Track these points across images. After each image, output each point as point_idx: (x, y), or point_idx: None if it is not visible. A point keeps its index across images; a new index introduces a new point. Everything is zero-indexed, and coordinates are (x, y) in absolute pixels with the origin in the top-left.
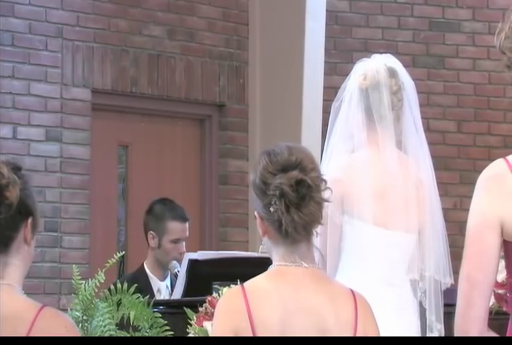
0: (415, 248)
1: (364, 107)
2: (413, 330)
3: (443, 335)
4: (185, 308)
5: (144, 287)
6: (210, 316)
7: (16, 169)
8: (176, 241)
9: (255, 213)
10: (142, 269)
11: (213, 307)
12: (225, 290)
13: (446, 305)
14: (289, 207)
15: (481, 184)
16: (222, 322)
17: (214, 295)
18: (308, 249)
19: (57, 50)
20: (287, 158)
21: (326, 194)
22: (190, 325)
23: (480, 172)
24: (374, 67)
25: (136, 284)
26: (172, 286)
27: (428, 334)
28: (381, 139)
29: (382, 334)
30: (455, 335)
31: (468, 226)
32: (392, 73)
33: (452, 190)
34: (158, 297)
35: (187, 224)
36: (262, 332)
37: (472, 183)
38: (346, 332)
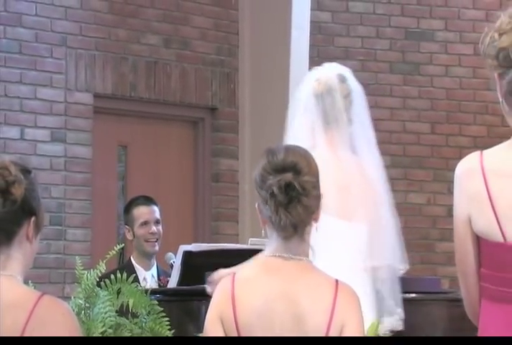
0: (367, 236)
1: (321, 111)
2: (372, 318)
3: (403, 317)
4: None
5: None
6: None
7: (25, 171)
8: (144, 224)
9: (256, 204)
10: (129, 261)
11: None
12: None
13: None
14: (278, 207)
15: (456, 178)
16: (211, 308)
17: None
18: (299, 244)
19: (62, 58)
20: (283, 159)
21: (314, 199)
22: (185, 312)
23: (452, 170)
24: (325, 74)
25: (134, 274)
26: (160, 275)
27: (387, 318)
28: (335, 140)
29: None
30: (470, 318)
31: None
32: (342, 79)
33: (426, 187)
34: (144, 285)
35: (153, 207)
36: (243, 317)
37: (444, 181)
38: (322, 319)
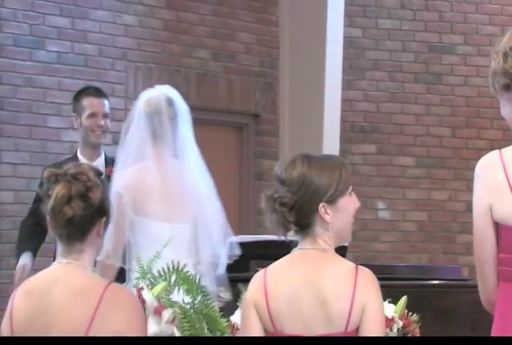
0: (192, 235)
1: (149, 128)
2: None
3: (229, 298)
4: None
5: None
6: None
7: (99, 174)
8: (92, 116)
9: None
10: (75, 152)
11: None
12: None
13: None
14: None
15: (477, 173)
16: (247, 297)
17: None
18: (316, 235)
19: (122, 70)
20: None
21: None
22: (233, 296)
23: (471, 170)
24: (156, 96)
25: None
26: (107, 166)
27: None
28: (161, 153)
29: None
30: (484, 306)
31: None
32: (170, 102)
33: (448, 185)
34: None
35: (103, 100)
36: (274, 304)
37: (464, 179)
38: (344, 303)
